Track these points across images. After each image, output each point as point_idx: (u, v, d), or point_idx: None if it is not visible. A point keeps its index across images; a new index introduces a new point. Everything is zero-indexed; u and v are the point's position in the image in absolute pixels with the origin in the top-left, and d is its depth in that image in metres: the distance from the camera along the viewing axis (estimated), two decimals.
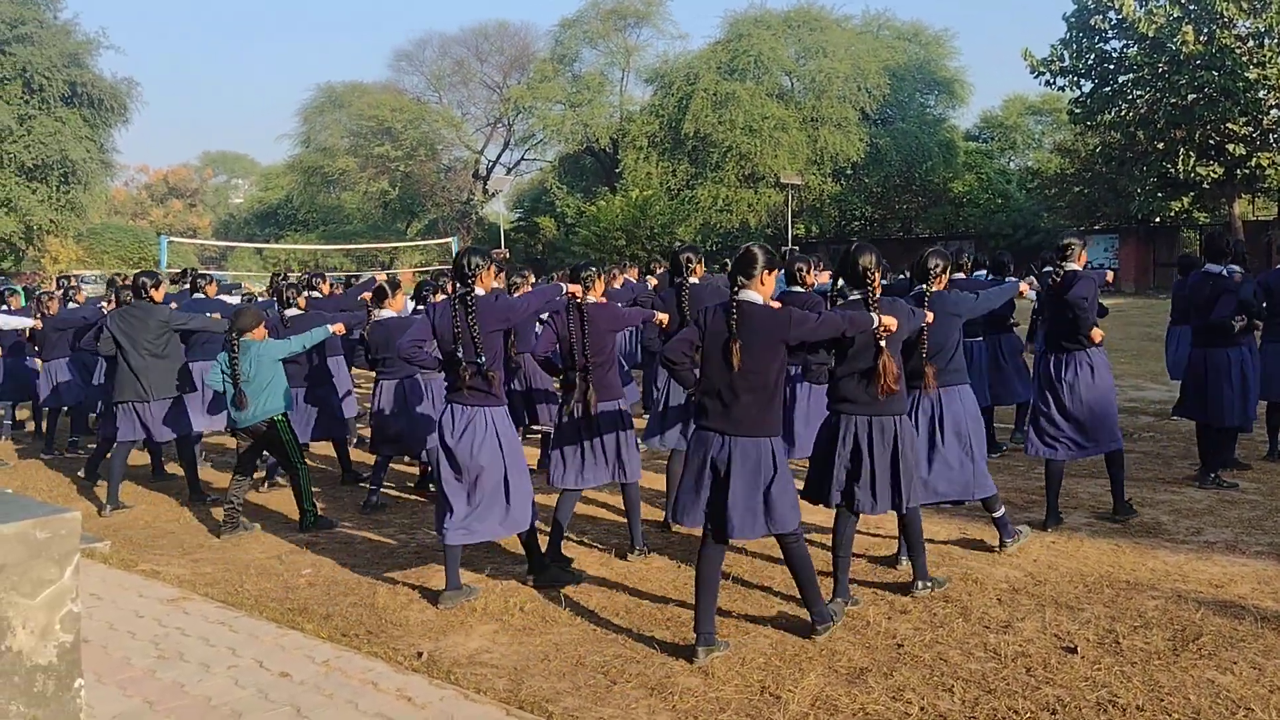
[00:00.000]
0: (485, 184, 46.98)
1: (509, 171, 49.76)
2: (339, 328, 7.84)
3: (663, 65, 42.49)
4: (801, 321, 4.50)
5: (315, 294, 10.43)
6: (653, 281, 11.60)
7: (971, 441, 5.72)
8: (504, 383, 5.54)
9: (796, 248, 36.07)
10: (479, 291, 5.31)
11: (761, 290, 4.59)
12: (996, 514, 5.97)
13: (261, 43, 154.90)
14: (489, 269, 5.43)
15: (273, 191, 61.79)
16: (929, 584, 5.35)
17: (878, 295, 4.94)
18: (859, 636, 4.76)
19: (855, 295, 5.10)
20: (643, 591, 5.51)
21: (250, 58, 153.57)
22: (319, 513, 7.21)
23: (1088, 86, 32.51)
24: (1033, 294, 6.98)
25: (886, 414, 5.03)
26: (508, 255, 36.01)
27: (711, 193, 39.31)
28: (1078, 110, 33.01)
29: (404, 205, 50.32)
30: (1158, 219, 34.50)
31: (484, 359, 5.21)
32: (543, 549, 5.77)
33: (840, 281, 5.49)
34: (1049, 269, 6.69)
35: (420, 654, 4.65)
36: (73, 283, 14.24)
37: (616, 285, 11.65)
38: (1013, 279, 7.85)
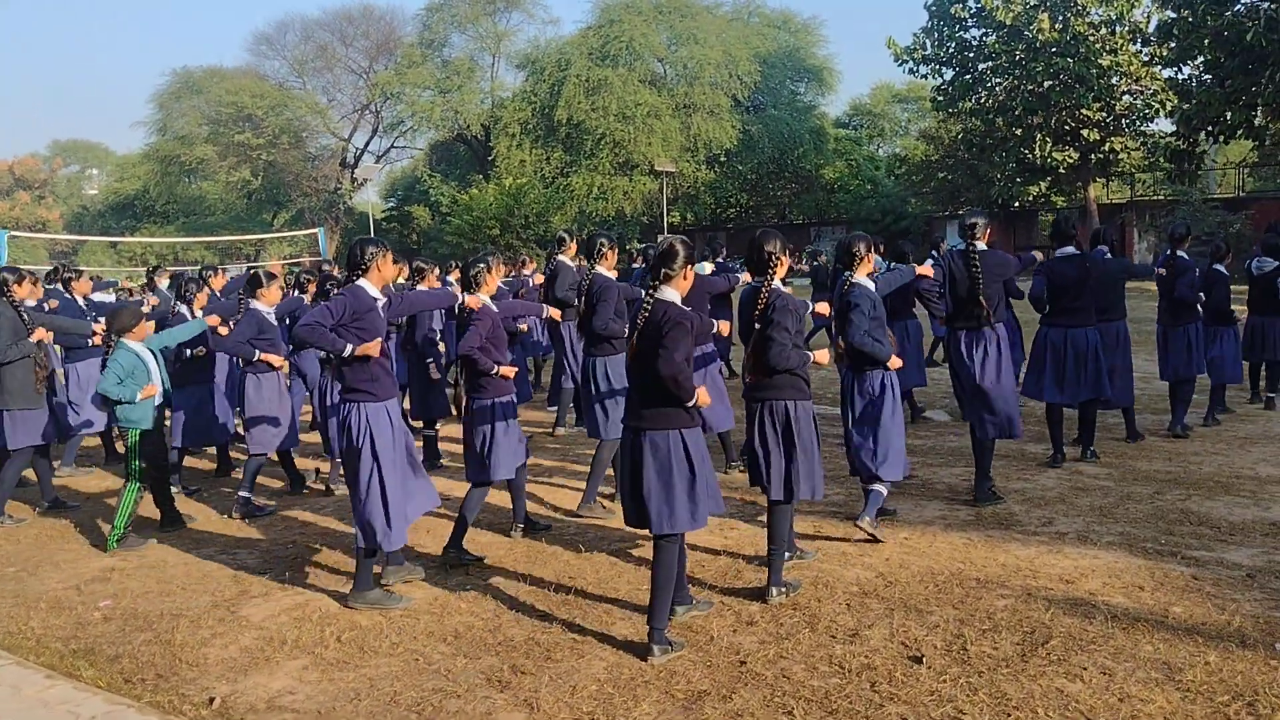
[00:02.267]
0: (353, 173, 45.55)
1: (378, 160, 48.38)
2: (214, 320, 7.57)
3: (534, 51, 41.83)
4: (672, 346, 4.27)
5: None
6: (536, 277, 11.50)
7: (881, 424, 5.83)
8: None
9: (685, 237, 35.95)
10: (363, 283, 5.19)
11: (683, 286, 4.46)
12: (875, 487, 5.95)
13: (114, 24, 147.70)
14: (385, 257, 5.27)
15: (129, 182, 58.61)
16: (784, 589, 5.11)
17: (776, 281, 4.96)
18: (701, 654, 4.46)
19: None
20: (478, 611, 5.10)
21: (102, 40, 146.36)
22: (126, 533, 6.58)
23: (949, 74, 33.17)
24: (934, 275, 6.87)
25: (777, 398, 5.03)
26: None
27: (586, 180, 38.92)
28: (940, 98, 33.66)
29: (269, 195, 48.44)
30: (1017, 203, 35.49)
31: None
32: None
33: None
34: (952, 248, 6.90)
35: (212, 700, 4.16)
36: None
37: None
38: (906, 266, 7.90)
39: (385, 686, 4.25)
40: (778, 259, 5.00)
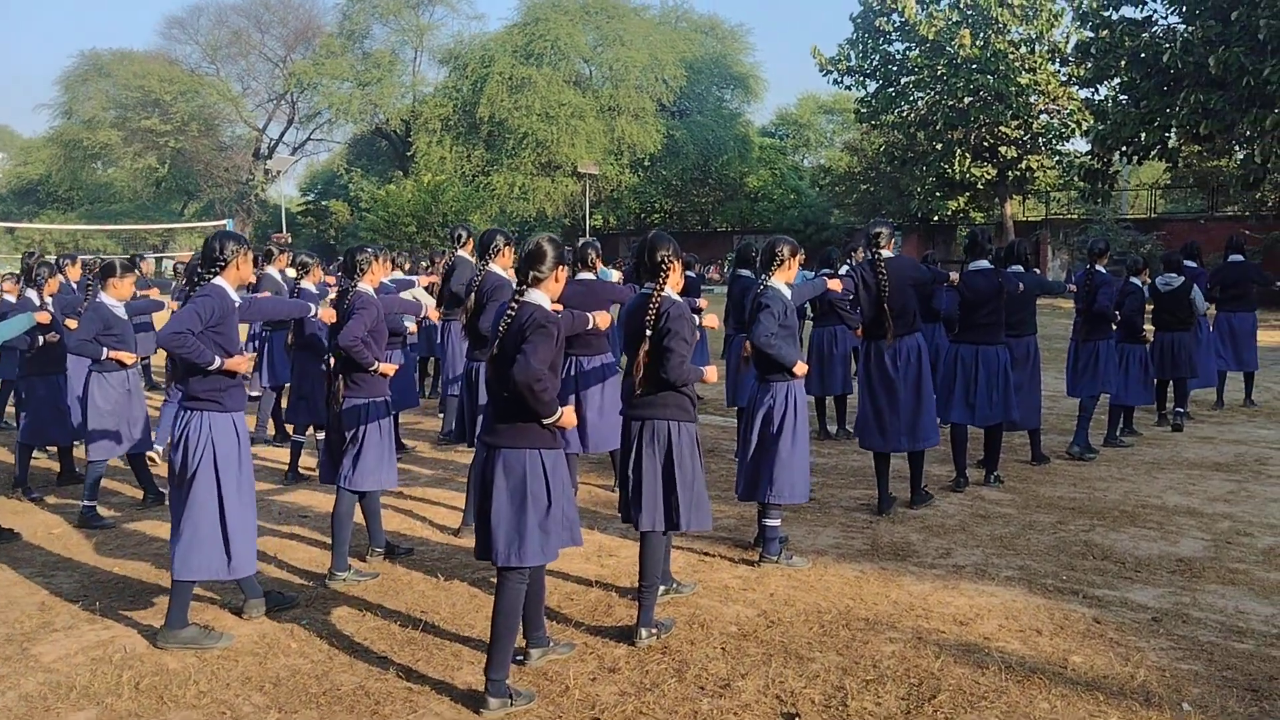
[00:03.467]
0: (266, 164, 44.16)
1: (294, 151, 46.99)
2: (43, 316, 6.90)
3: (457, 46, 41.08)
4: (530, 351, 3.84)
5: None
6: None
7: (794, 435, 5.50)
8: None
9: (595, 239, 35.52)
10: (218, 282, 4.69)
11: (554, 289, 4.12)
12: (772, 521, 5.58)
13: (26, 2, 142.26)
14: (245, 255, 4.80)
15: (32, 166, 56.27)
16: (654, 630, 4.60)
17: (665, 286, 4.52)
18: (551, 707, 3.93)
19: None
20: (309, 652, 4.51)
21: (15, 19, 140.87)
22: None
23: (873, 86, 33.22)
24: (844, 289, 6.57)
25: (659, 418, 4.55)
26: (289, 239, 33.79)
27: (508, 180, 38.27)
28: (863, 110, 33.68)
29: (178, 185, 46.73)
30: (936, 218, 35.71)
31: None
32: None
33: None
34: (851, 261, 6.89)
35: None
36: None
37: (385, 277, 11.29)
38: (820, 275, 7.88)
39: None
40: (669, 264, 4.53)
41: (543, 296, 4.05)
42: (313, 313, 5.67)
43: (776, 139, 51.93)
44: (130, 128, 41.41)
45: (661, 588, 5.02)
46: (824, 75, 33.60)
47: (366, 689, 4.11)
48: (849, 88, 34.17)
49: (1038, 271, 8.76)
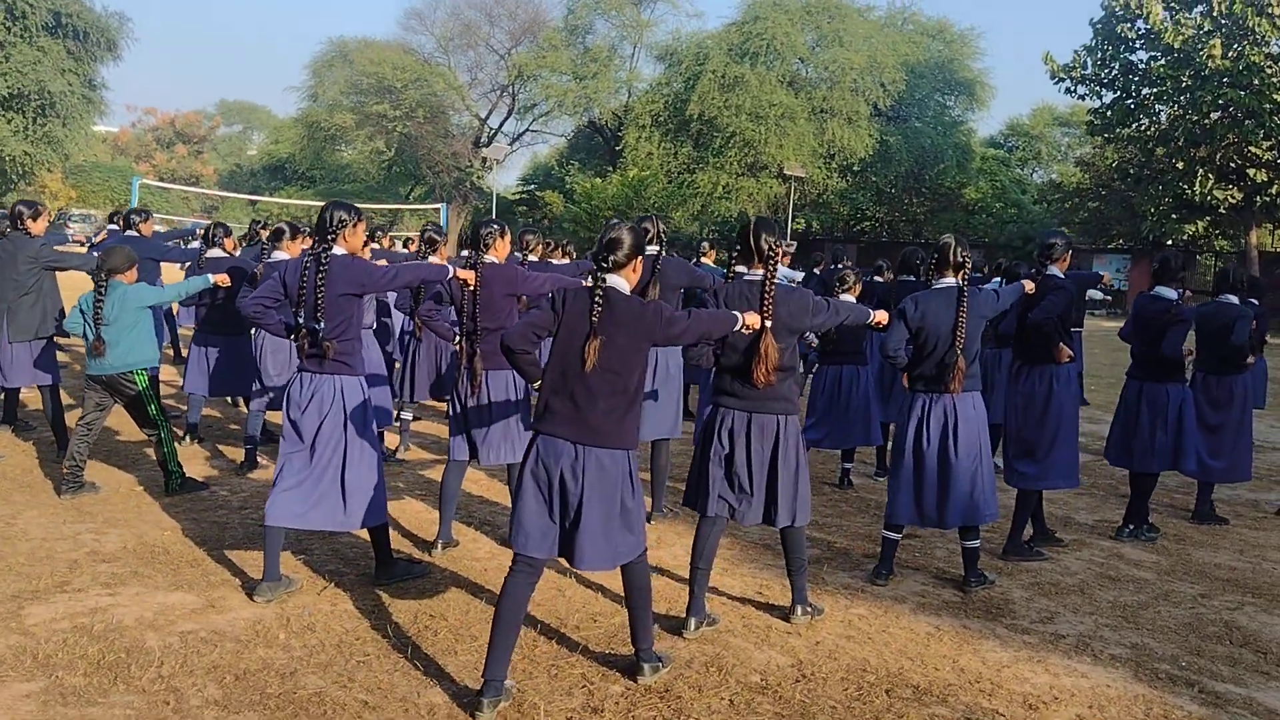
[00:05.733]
0: (484, 152, 45.63)
1: (511, 142, 48.33)
2: (222, 279, 7.01)
3: (674, 43, 40.93)
4: (670, 322, 3.81)
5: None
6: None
7: (981, 453, 5.16)
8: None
9: (795, 242, 34.64)
10: (337, 251, 4.76)
11: (632, 278, 3.89)
12: (972, 544, 5.27)
13: None
14: (356, 227, 4.85)
15: (281, 145, 60.63)
16: (809, 610, 4.73)
17: (774, 278, 4.35)
18: None
19: (752, 275, 4.49)
20: (293, 645, 4.23)
21: (273, 6, 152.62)
22: (185, 474, 6.54)
23: (1109, 97, 30.73)
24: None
25: (768, 411, 4.41)
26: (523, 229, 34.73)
27: (712, 178, 37.84)
28: (1096, 121, 31.22)
29: (406, 169, 49.01)
30: (1170, 241, 32.79)
31: (322, 324, 4.63)
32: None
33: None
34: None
35: None
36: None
37: (556, 260, 11.43)
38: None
39: None
40: (777, 250, 4.42)
41: (622, 283, 3.80)
42: (450, 274, 5.50)
43: (1003, 150, 49.28)
44: (363, 112, 43.62)
45: (693, 620, 4.50)
46: (1055, 83, 31.35)
47: (324, 696, 3.77)
48: (1082, 97, 31.80)
49: (1254, 302, 7.62)
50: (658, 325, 3.74)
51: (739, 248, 4.59)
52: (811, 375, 7.84)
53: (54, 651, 4.01)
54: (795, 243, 33.55)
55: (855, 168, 39.11)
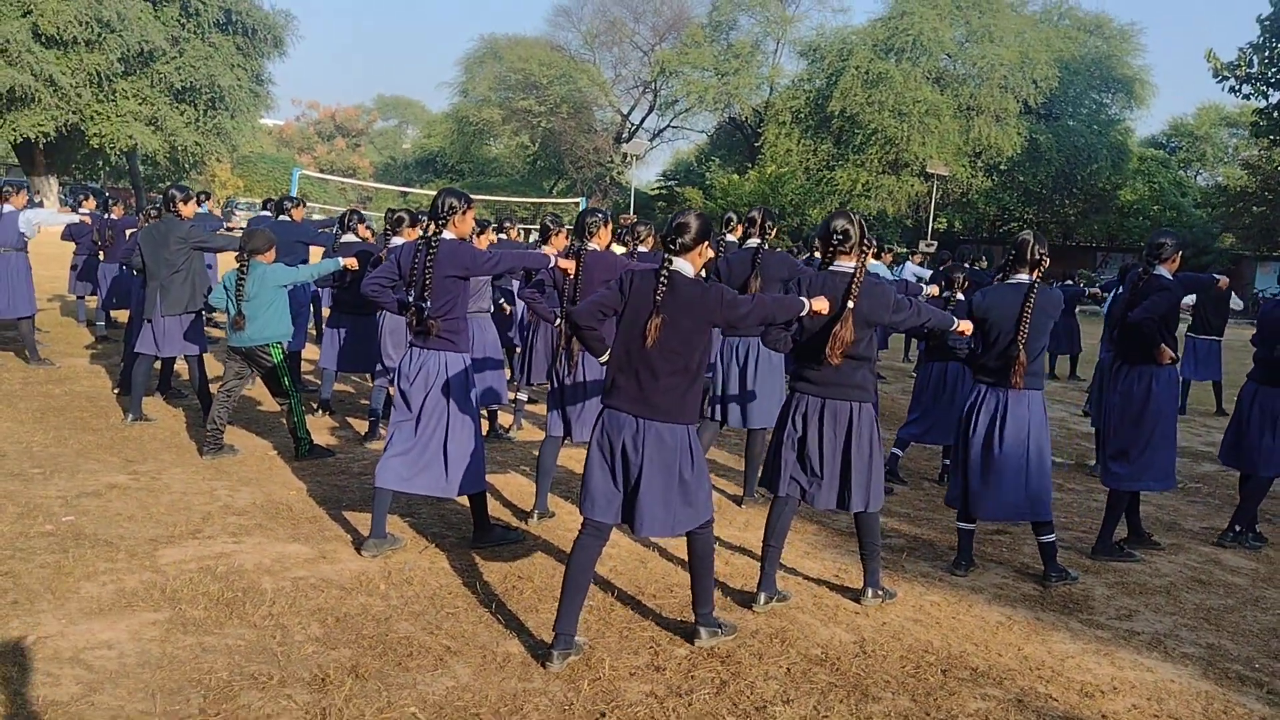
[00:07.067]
0: (624, 147, 46.32)
1: (653, 138, 48.87)
2: (350, 262, 7.55)
3: (818, 39, 40.65)
4: (733, 305, 3.98)
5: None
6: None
7: (1030, 452, 5.15)
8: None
9: (935, 242, 33.97)
10: (447, 235, 5.08)
11: (697, 263, 4.06)
12: (1046, 539, 5.31)
13: None
14: (465, 214, 5.16)
15: (433, 140, 62.85)
16: (881, 593, 4.88)
17: (863, 270, 4.47)
18: (569, 692, 3.75)
19: (839, 267, 4.58)
20: (391, 595, 4.62)
21: (431, 3, 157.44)
22: (313, 441, 7.11)
23: (1276, 97, 29.16)
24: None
25: (841, 398, 4.54)
26: (634, 220, 35.25)
27: (851, 176, 37.50)
28: (1262, 122, 29.72)
29: (550, 164, 50.16)
30: None
31: (429, 303, 4.96)
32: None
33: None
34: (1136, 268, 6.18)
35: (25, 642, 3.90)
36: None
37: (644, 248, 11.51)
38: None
39: (206, 662, 3.82)
40: (870, 240, 4.65)
41: (688, 266, 4.00)
42: (551, 263, 5.80)
43: (1164, 151, 47.13)
44: (510, 107, 44.97)
45: (763, 595, 4.70)
46: (1218, 81, 29.91)
47: (411, 640, 4.13)
48: (1247, 96, 30.25)
49: None
50: (719, 308, 3.93)
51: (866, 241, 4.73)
52: (915, 372, 7.89)
53: (180, 588, 4.50)
54: (936, 242, 32.98)
55: (1003, 167, 38.11)
